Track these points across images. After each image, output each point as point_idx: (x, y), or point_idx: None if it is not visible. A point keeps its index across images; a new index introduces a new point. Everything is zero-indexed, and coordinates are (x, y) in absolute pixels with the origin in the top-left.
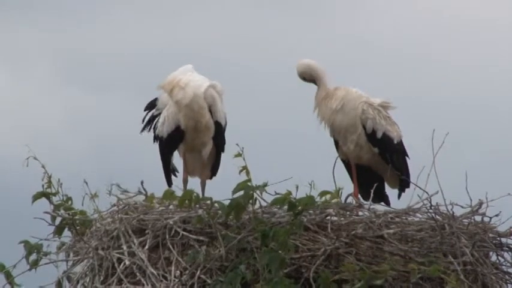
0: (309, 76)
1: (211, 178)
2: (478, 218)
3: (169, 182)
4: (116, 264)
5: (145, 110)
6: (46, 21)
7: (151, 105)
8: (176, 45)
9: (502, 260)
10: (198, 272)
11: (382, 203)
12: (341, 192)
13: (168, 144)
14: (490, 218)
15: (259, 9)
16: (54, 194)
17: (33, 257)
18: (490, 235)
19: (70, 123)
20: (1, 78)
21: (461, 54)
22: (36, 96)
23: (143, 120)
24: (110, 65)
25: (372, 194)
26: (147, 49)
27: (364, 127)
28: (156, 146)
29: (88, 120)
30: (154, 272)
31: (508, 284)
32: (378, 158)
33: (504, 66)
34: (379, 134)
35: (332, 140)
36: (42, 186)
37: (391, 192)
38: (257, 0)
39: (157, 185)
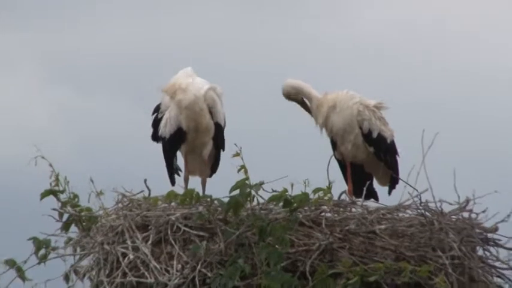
0: (294, 95)
1: (210, 176)
2: (465, 215)
3: (172, 181)
4: (121, 259)
5: (152, 114)
6: (33, 23)
7: (156, 109)
8: (161, 46)
9: (488, 254)
10: (199, 266)
11: (372, 200)
12: (331, 186)
13: (170, 144)
14: (477, 214)
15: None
16: (62, 192)
17: (41, 252)
18: (477, 230)
19: (59, 122)
20: None
21: (445, 58)
22: (25, 96)
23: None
24: (96, 66)
25: (364, 192)
26: (132, 50)
27: (360, 128)
28: (159, 146)
29: (75, 120)
30: (157, 266)
31: (494, 277)
32: (373, 157)
33: (488, 71)
34: (375, 134)
35: (327, 140)
36: (50, 184)
37: (381, 189)
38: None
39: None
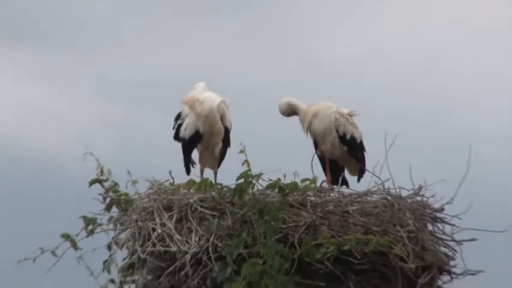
0: (289, 111)
1: (217, 168)
2: (418, 198)
3: (188, 172)
4: (151, 232)
5: (174, 121)
6: (94, 49)
7: (177, 116)
8: (180, 70)
9: (436, 229)
10: (212, 238)
11: (345, 187)
12: (316, 179)
13: (189, 144)
14: (428, 198)
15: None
16: (105, 180)
17: (90, 227)
18: (428, 211)
19: (104, 127)
20: (52, 94)
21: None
22: (79, 107)
23: (173, 128)
24: (133, 84)
25: (340, 181)
26: (159, 71)
27: (337, 131)
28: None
29: (117, 126)
30: (179, 238)
31: (441, 247)
32: (346, 154)
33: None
34: (348, 136)
35: (311, 141)
36: (96, 174)
37: (351, 178)
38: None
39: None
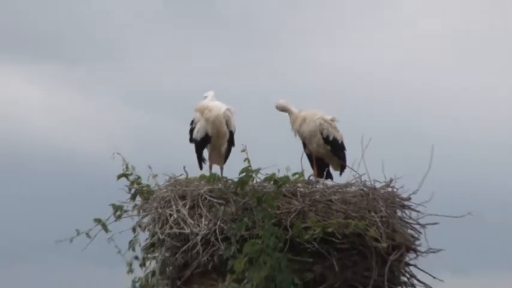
0: (282, 110)
1: (223, 164)
2: (389, 189)
3: (200, 167)
4: (168, 217)
5: (190, 125)
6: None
7: (192, 122)
8: (193, 81)
9: (404, 214)
10: (219, 222)
11: (330, 179)
12: (303, 172)
13: (200, 144)
14: (397, 189)
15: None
16: (130, 175)
17: (118, 213)
18: (397, 199)
19: (129, 130)
20: (82, 101)
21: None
22: (108, 112)
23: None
24: (152, 92)
25: (324, 175)
26: (174, 83)
27: (321, 134)
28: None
29: (140, 128)
30: (192, 222)
31: (408, 229)
32: (330, 153)
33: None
34: (331, 138)
35: (300, 142)
36: (123, 170)
37: (335, 173)
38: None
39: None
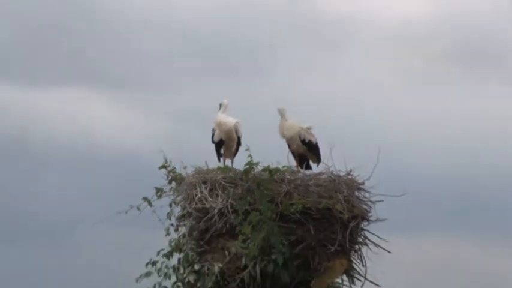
0: (280, 113)
1: (233, 159)
2: (350, 177)
3: (218, 160)
4: (194, 196)
5: (212, 131)
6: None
7: (213, 130)
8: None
9: (360, 194)
10: (230, 200)
11: (309, 170)
12: (291, 166)
13: (217, 146)
14: (355, 176)
15: None
16: (168, 166)
17: (159, 193)
18: (355, 184)
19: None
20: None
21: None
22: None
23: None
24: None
25: (304, 167)
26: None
27: (299, 138)
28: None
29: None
30: (210, 199)
31: (363, 205)
32: (307, 151)
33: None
34: (307, 141)
35: (286, 144)
36: (163, 162)
37: (313, 165)
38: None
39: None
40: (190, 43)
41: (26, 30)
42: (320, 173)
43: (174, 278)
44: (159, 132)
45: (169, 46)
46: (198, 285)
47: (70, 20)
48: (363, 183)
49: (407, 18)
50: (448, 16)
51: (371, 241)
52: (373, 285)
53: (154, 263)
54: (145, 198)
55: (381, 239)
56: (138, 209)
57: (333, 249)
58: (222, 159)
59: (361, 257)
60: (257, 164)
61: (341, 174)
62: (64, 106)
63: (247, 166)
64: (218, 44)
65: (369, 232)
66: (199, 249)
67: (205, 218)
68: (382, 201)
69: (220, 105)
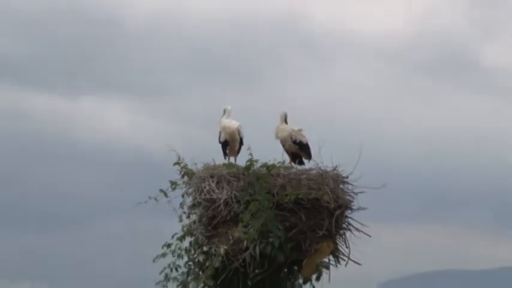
0: (281, 117)
1: (236, 156)
2: (335, 172)
3: (224, 157)
4: (203, 188)
5: (219, 133)
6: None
7: (219, 132)
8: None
9: (344, 187)
10: (233, 191)
11: (301, 165)
12: (284, 161)
13: (223, 145)
14: (340, 171)
15: None
16: (181, 162)
17: (173, 186)
18: (340, 178)
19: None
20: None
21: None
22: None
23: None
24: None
25: (297, 163)
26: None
27: (291, 139)
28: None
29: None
30: (217, 191)
31: (347, 196)
32: (299, 150)
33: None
34: (298, 141)
35: (280, 144)
36: (177, 160)
37: (305, 161)
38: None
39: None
40: (198, 53)
41: (54, 45)
42: (310, 169)
43: (186, 258)
44: (169, 132)
45: (179, 55)
46: (207, 264)
47: (94, 38)
48: (347, 177)
49: (389, 34)
50: (425, 32)
51: (354, 227)
52: (355, 264)
53: (169, 245)
54: (161, 190)
55: (362, 224)
56: (156, 199)
57: (321, 233)
58: (227, 157)
59: (345, 240)
60: (256, 161)
61: (328, 169)
62: (91, 112)
63: (248, 163)
64: (223, 55)
65: (352, 219)
66: (207, 234)
67: (213, 207)
68: (364, 192)
69: (224, 111)
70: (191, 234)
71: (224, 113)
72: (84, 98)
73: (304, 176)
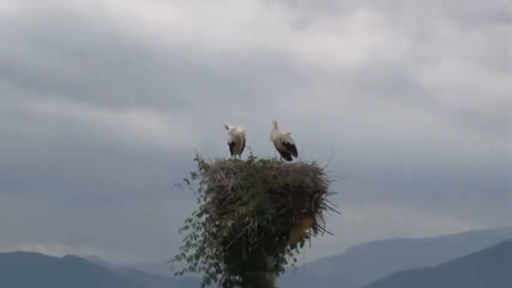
0: (274, 124)
1: (240, 154)
2: (314, 165)
3: (231, 155)
4: (216, 178)
5: (228, 136)
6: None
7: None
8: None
9: (321, 176)
10: (238, 180)
11: (289, 161)
12: (276, 158)
13: (230, 145)
14: (317, 165)
15: None
16: (199, 159)
17: (194, 176)
18: (318, 170)
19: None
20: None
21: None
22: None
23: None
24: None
25: (286, 158)
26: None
27: (281, 141)
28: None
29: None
30: (226, 180)
31: (323, 183)
32: (287, 149)
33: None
34: (286, 142)
35: (273, 145)
36: (195, 156)
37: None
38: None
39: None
40: (213, 77)
41: (103, 66)
42: (296, 163)
43: (202, 230)
44: (190, 136)
45: (200, 79)
46: (218, 234)
47: (136, 64)
48: (322, 170)
49: (352, 64)
50: (376, 62)
51: (328, 206)
52: (329, 234)
53: (190, 220)
54: (185, 179)
55: (334, 205)
56: (180, 186)
57: (303, 211)
58: (233, 155)
59: (321, 216)
60: (255, 157)
61: (309, 163)
62: (133, 121)
63: (249, 158)
64: (232, 79)
65: (327, 201)
66: (218, 212)
67: (223, 191)
68: (335, 180)
69: (226, 127)
70: (206, 212)
71: (227, 128)
72: (129, 110)
73: (291, 168)
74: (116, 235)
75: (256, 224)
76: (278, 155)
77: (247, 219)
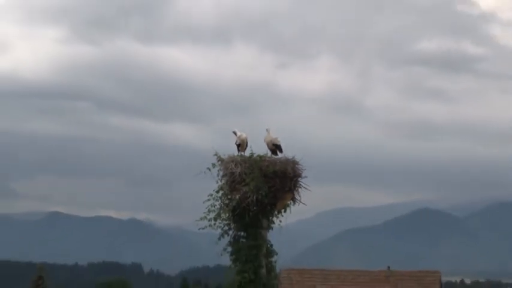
0: (267, 131)
1: (244, 151)
2: (293, 160)
3: (238, 152)
4: (228, 167)
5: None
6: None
7: (236, 140)
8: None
9: (298, 166)
10: (243, 169)
11: (276, 156)
12: (267, 154)
13: (238, 146)
14: (295, 160)
15: None
16: (217, 154)
17: (213, 166)
18: (296, 162)
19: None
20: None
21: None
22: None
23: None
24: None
25: (275, 154)
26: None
27: (271, 142)
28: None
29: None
30: (234, 168)
31: (299, 171)
32: (276, 148)
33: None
34: (275, 144)
35: (266, 145)
36: (214, 153)
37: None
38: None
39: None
40: (224, 98)
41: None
42: (280, 157)
43: (219, 201)
44: (211, 139)
45: (215, 100)
46: (229, 204)
47: (169, 89)
48: (298, 162)
49: (317, 92)
50: (333, 91)
51: (303, 186)
52: (303, 204)
53: (211, 195)
54: (208, 168)
55: (306, 185)
56: (205, 172)
57: (286, 189)
58: (239, 152)
59: (298, 192)
60: (254, 153)
61: (289, 158)
62: (174, 130)
63: (250, 154)
64: (237, 99)
65: (302, 183)
66: (229, 189)
67: (232, 176)
68: (306, 169)
69: (234, 132)
70: (222, 190)
71: (235, 134)
72: (172, 122)
73: (278, 160)
74: (163, 205)
75: (255, 197)
76: (269, 152)
77: (249, 194)
